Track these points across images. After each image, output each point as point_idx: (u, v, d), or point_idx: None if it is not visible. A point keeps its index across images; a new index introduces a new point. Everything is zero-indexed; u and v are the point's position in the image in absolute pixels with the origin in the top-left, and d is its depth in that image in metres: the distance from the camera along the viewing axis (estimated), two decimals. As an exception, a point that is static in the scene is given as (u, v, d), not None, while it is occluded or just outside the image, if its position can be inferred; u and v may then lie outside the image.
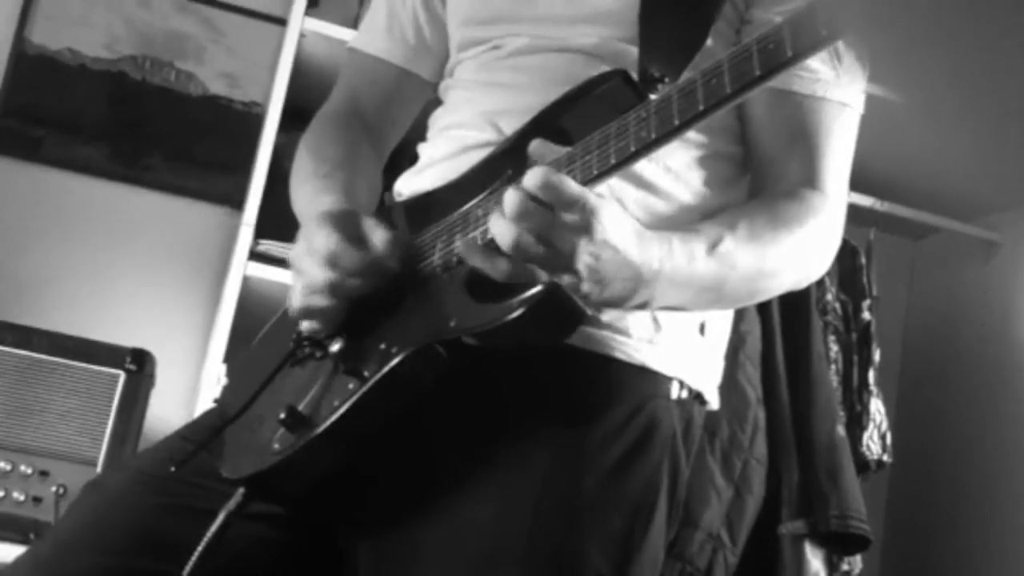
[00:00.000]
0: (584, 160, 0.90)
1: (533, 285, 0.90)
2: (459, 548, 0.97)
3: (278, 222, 1.97)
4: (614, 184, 1.03)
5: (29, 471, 1.85)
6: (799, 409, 1.97)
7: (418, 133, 1.26)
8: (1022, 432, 2.59)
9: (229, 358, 2.03)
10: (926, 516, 2.81)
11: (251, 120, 2.47)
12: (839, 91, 1.08)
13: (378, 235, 1.00)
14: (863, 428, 2.28)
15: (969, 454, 2.73)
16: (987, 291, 2.80)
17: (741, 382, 1.89)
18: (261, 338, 1.22)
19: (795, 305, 2.02)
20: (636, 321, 1.05)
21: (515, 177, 0.98)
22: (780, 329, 2.00)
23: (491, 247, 0.91)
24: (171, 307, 2.44)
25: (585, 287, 0.89)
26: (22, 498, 1.84)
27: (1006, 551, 2.55)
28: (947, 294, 2.95)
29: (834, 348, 2.29)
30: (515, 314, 0.89)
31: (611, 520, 1.00)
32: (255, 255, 2.10)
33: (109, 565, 0.97)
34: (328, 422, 0.96)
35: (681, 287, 0.95)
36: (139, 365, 1.95)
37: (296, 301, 1.02)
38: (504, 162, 1.03)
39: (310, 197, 1.12)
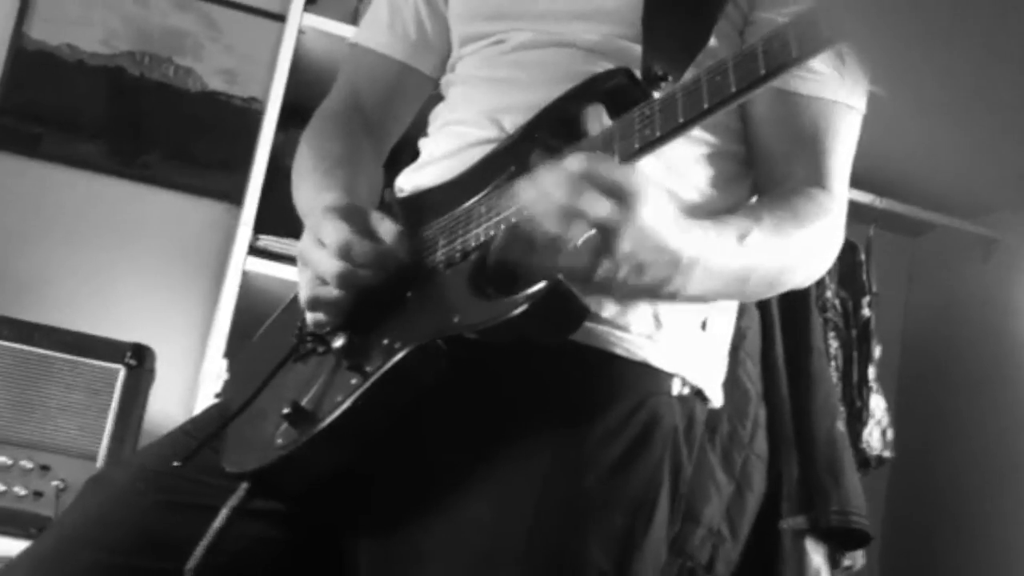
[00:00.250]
0: None
1: (537, 281, 0.89)
2: (460, 547, 0.97)
3: (277, 218, 1.97)
4: None
5: (30, 466, 1.85)
6: (799, 405, 1.96)
7: (419, 129, 1.26)
8: (1022, 428, 2.59)
9: (229, 353, 2.03)
10: (926, 511, 2.81)
11: (250, 116, 2.47)
12: (844, 93, 1.09)
13: (386, 228, 1.00)
14: (863, 424, 2.28)
15: (969, 450, 2.73)
16: (986, 288, 2.80)
17: (741, 378, 1.89)
18: (263, 333, 1.22)
19: (795, 302, 2.02)
20: (637, 317, 1.05)
21: (518, 174, 0.98)
22: (780, 325, 2.00)
23: (521, 234, 0.89)
24: (171, 303, 2.44)
25: (622, 273, 0.88)
26: (23, 493, 1.84)
27: (1006, 547, 2.56)
28: (946, 291, 2.95)
29: (834, 344, 2.29)
30: (519, 310, 0.89)
31: (613, 517, 1.00)
32: (254, 251, 2.10)
33: (111, 562, 0.97)
34: (331, 417, 0.96)
35: (712, 276, 0.95)
36: (139, 360, 1.95)
37: (305, 292, 1.02)
38: (506, 159, 1.02)
39: (312, 193, 1.12)
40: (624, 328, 1.05)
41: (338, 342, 1.02)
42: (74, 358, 1.92)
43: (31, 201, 2.40)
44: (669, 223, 0.90)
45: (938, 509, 2.77)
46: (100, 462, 1.88)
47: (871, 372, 2.37)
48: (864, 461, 2.26)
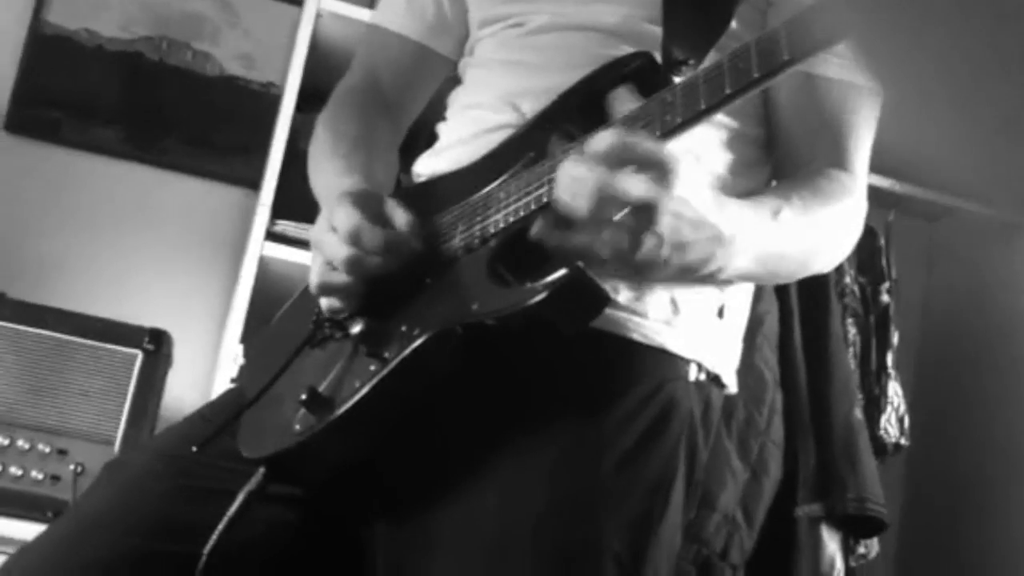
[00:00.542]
0: None
1: (557, 268, 0.89)
2: (474, 532, 0.97)
3: (295, 203, 1.97)
4: None
5: (47, 450, 1.86)
6: (817, 392, 1.96)
7: (435, 112, 1.26)
8: (1040, 416, 2.57)
9: (246, 338, 2.03)
10: (943, 499, 2.80)
11: (268, 101, 2.46)
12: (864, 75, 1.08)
13: (400, 215, 1.00)
14: (881, 411, 2.27)
15: (987, 437, 2.72)
16: (1007, 273, 2.78)
17: (758, 364, 1.88)
18: (280, 318, 1.22)
19: (813, 287, 2.01)
20: (655, 303, 1.05)
21: (537, 159, 0.97)
22: (798, 311, 1.99)
23: (558, 217, 0.88)
24: (188, 287, 2.45)
25: (665, 251, 0.86)
26: (40, 477, 1.85)
27: None
28: (966, 276, 2.93)
29: (852, 331, 2.28)
30: (539, 298, 0.89)
31: (629, 502, 1.00)
32: (272, 235, 2.10)
33: (130, 545, 0.98)
34: (349, 403, 0.96)
35: (750, 254, 0.94)
36: (157, 345, 1.96)
37: (315, 277, 1.02)
38: (525, 144, 1.02)
39: (329, 177, 1.12)
40: (641, 314, 1.04)
41: (356, 328, 1.01)
42: (92, 343, 1.93)
43: (50, 186, 2.41)
44: (707, 199, 0.89)
45: (956, 497, 2.76)
46: (117, 446, 1.89)
47: (889, 359, 2.36)
48: (881, 448, 2.25)
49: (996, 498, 2.64)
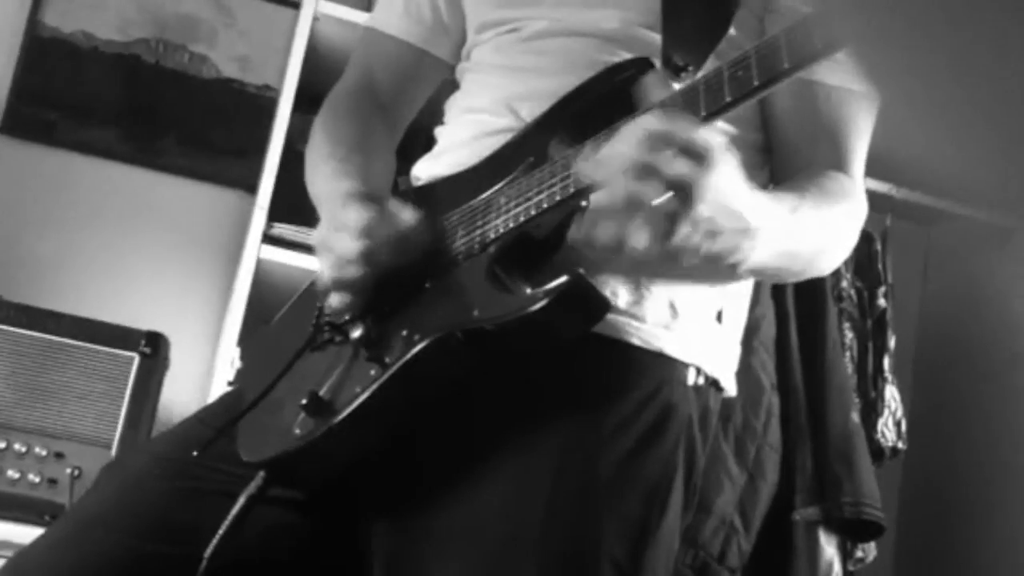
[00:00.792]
0: None
1: (557, 275, 0.89)
2: (475, 533, 0.97)
3: (292, 205, 1.97)
4: None
5: (44, 453, 1.86)
6: (813, 396, 1.96)
7: (431, 117, 1.26)
8: (1037, 420, 2.58)
9: (243, 341, 2.03)
10: (940, 503, 2.80)
11: (264, 103, 2.46)
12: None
13: (407, 211, 1.00)
14: (878, 415, 2.27)
15: (984, 441, 2.72)
16: (1004, 277, 2.78)
17: (755, 368, 1.88)
18: (278, 321, 1.22)
19: (810, 291, 2.01)
20: (654, 307, 1.05)
21: (536, 164, 0.97)
22: (795, 315, 1.99)
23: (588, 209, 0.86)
24: (185, 290, 2.45)
25: (697, 238, 0.85)
26: (37, 480, 1.84)
27: (1021, 539, 2.54)
28: (963, 281, 2.93)
29: (849, 335, 2.28)
30: (539, 304, 0.89)
31: (627, 505, 1.00)
32: (268, 238, 2.10)
33: (128, 546, 0.98)
34: (350, 408, 0.96)
35: (769, 248, 0.94)
36: (153, 348, 1.95)
37: (327, 274, 1.01)
38: (524, 149, 1.02)
39: (327, 181, 1.12)
40: (640, 318, 1.04)
41: (356, 332, 1.01)
42: (88, 345, 1.92)
43: (46, 188, 2.40)
44: (740, 188, 0.88)
45: (952, 501, 2.76)
46: (114, 449, 1.89)
47: (886, 363, 2.36)
48: (878, 452, 2.25)
49: (993, 502, 2.65)
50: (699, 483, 1.10)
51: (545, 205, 0.93)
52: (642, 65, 0.99)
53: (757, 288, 1.85)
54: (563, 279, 0.88)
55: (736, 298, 1.14)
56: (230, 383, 1.98)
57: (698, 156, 0.82)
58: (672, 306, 1.06)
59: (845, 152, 1.09)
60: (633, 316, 1.04)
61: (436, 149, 1.20)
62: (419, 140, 1.29)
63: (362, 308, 1.02)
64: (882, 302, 2.41)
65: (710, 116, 0.86)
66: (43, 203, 2.40)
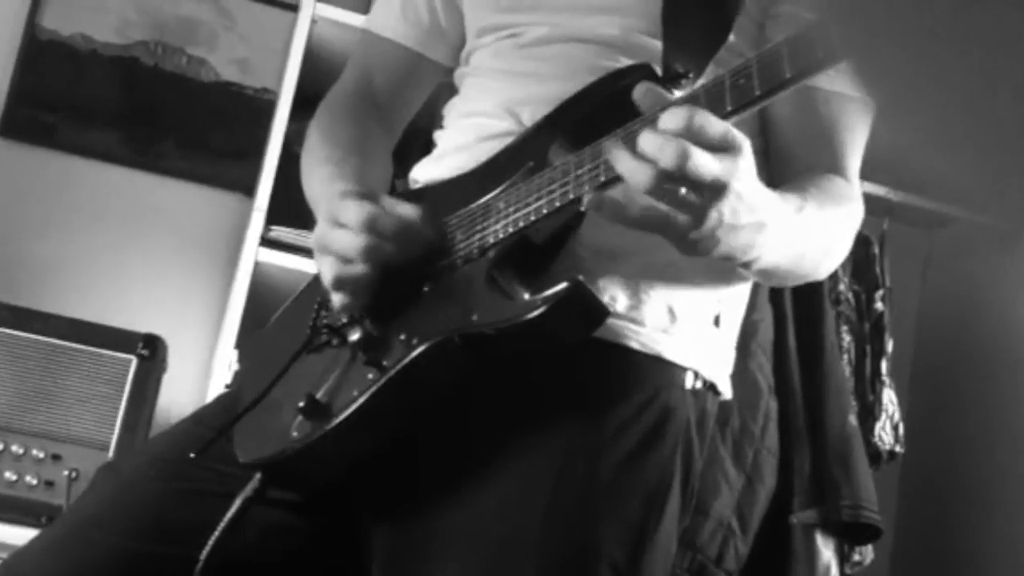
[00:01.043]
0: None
1: (557, 281, 0.89)
2: (474, 534, 0.97)
3: (290, 208, 1.97)
4: None
5: (42, 455, 1.86)
6: (811, 399, 1.96)
7: (429, 121, 1.26)
8: (1034, 423, 2.58)
9: (241, 344, 2.03)
10: (938, 507, 2.80)
11: (263, 106, 2.46)
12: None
13: (407, 206, 1.00)
14: (875, 418, 2.27)
15: (982, 445, 2.72)
16: (1003, 282, 2.78)
17: (753, 371, 1.88)
18: (275, 323, 1.22)
19: (808, 295, 2.01)
20: (652, 312, 1.05)
21: (536, 169, 0.97)
22: (793, 319, 1.99)
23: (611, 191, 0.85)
24: (183, 293, 2.45)
25: (721, 231, 0.85)
26: (35, 482, 1.84)
27: (1019, 542, 2.54)
28: (962, 285, 2.94)
29: (847, 338, 2.28)
30: (539, 311, 0.89)
31: (625, 508, 1.00)
32: (267, 241, 2.10)
33: (124, 547, 0.98)
34: (347, 412, 0.96)
35: (781, 246, 0.94)
36: (151, 350, 1.95)
37: (329, 274, 1.01)
38: (524, 153, 1.02)
39: (323, 183, 1.12)
40: (639, 322, 1.04)
41: (354, 335, 1.01)
42: (86, 348, 1.92)
43: (45, 191, 2.40)
44: (758, 183, 0.87)
45: (950, 504, 2.76)
46: (112, 452, 1.89)
47: (884, 366, 2.36)
48: (876, 455, 2.25)
49: (990, 506, 2.65)
50: (696, 486, 1.10)
51: (545, 211, 0.93)
52: (644, 72, 0.99)
53: (755, 292, 1.85)
54: (563, 286, 0.88)
55: (733, 302, 1.14)
56: (228, 386, 1.98)
57: (727, 151, 0.82)
58: (671, 310, 1.06)
59: (842, 156, 1.10)
60: (632, 320, 1.04)
61: (435, 152, 1.19)
62: (417, 143, 1.29)
63: (362, 309, 1.02)
64: (879, 305, 2.41)
65: None
66: (42, 206, 2.40)
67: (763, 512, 1.86)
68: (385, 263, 0.99)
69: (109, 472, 1.10)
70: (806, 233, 0.98)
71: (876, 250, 2.49)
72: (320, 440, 0.97)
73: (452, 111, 1.21)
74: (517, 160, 1.01)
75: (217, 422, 1.06)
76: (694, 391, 1.07)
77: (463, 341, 0.94)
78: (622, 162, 0.83)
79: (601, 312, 0.91)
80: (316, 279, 1.09)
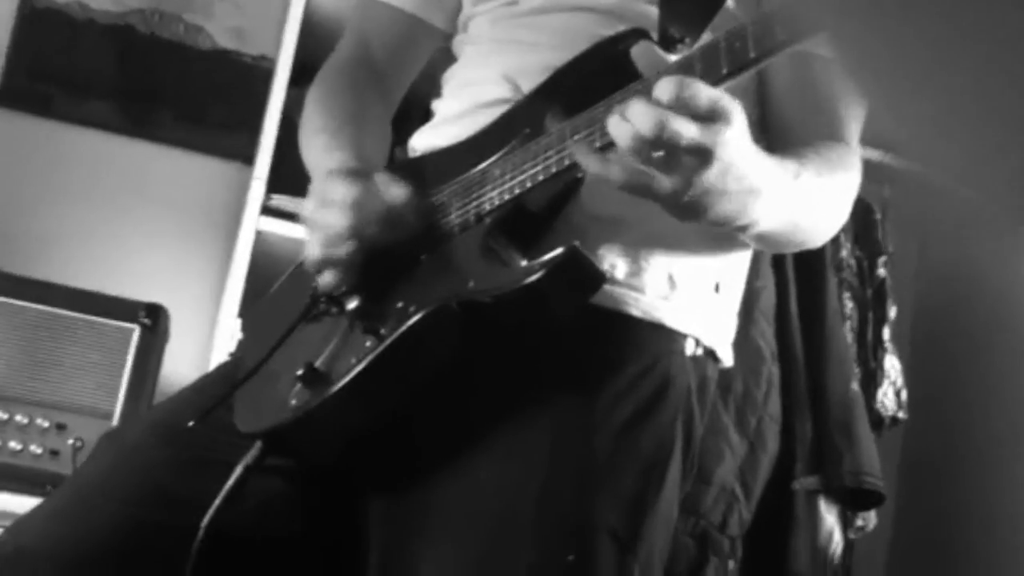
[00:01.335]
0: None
1: (553, 247, 0.89)
2: (471, 507, 0.97)
3: (290, 177, 1.96)
4: None
5: (46, 424, 1.86)
6: (813, 366, 1.96)
7: (428, 90, 1.25)
8: (1036, 389, 2.58)
9: (243, 313, 2.03)
10: (940, 473, 2.81)
11: (261, 74, 2.45)
12: None
13: (394, 188, 0.99)
14: (878, 385, 2.27)
15: (984, 411, 2.72)
16: (1003, 246, 2.77)
17: (755, 338, 1.88)
18: (275, 292, 1.22)
19: (810, 261, 2.01)
20: (652, 278, 1.05)
21: (533, 136, 0.97)
22: (795, 285, 1.98)
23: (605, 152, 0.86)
24: (184, 262, 2.44)
25: (707, 197, 0.85)
26: (39, 451, 1.85)
27: (1019, 509, 2.55)
28: (962, 250, 2.93)
29: (849, 305, 2.28)
30: (535, 276, 0.89)
31: (624, 477, 1.00)
32: (267, 210, 2.09)
33: (126, 514, 0.98)
34: (345, 379, 0.96)
35: (776, 213, 0.94)
36: (153, 320, 1.95)
37: (314, 253, 1.01)
38: (521, 120, 1.01)
39: (319, 153, 1.11)
40: (639, 289, 1.04)
41: (352, 304, 1.01)
42: (88, 317, 1.92)
43: (43, 161, 2.40)
44: (750, 150, 0.88)
45: (953, 471, 2.77)
46: (116, 421, 1.89)
47: (886, 332, 2.36)
48: (878, 421, 2.25)
49: (993, 471, 2.66)
50: (697, 453, 1.10)
51: (541, 177, 0.93)
52: (638, 36, 0.98)
53: (757, 259, 1.84)
54: (559, 251, 0.88)
55: (733, 269, 1.14)
56: (231, 354, 1.98)
57: (714, 118, 0.83)
58: (671, 277, 1.06)
59: (842, 122, 1.09)
60: (632, 287, 1.04)
61: (433, 121, 1.19)
62: (417, 112, 1.28)
63: (353, 284, 1.02)
64: (882, 272, 2.41)
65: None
66: (40, 176, 2.39)
67: (766, 478, 1.87)
68: (371, 243, 0.99)
69: (111, 440, 1.10)
70: (803, 200, 0.98)
71: (878, 216, 2.48)
72: (318, 408, 0.97)
73: (451, 80, 1.20)
74: (514, 127, 1.01)
75: (218, 390, 1.06)
76: (694, 358, 1.07)
77: (460, 308, 0.94)
78: (610, 121, 0.85)
79: (598, 277, 0.90)
80: None
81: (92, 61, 2.43)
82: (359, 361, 0.96)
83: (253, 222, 2.08)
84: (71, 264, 2.32)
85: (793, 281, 2.00)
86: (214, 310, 2.34)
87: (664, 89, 0.82)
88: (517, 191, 0.95)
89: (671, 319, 1.05)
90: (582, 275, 0.90)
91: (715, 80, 0.84)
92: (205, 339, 2.31)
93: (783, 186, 0.93)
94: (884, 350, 2.33)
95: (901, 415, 2.31)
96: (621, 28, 1.03)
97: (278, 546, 1.04)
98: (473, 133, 1.06)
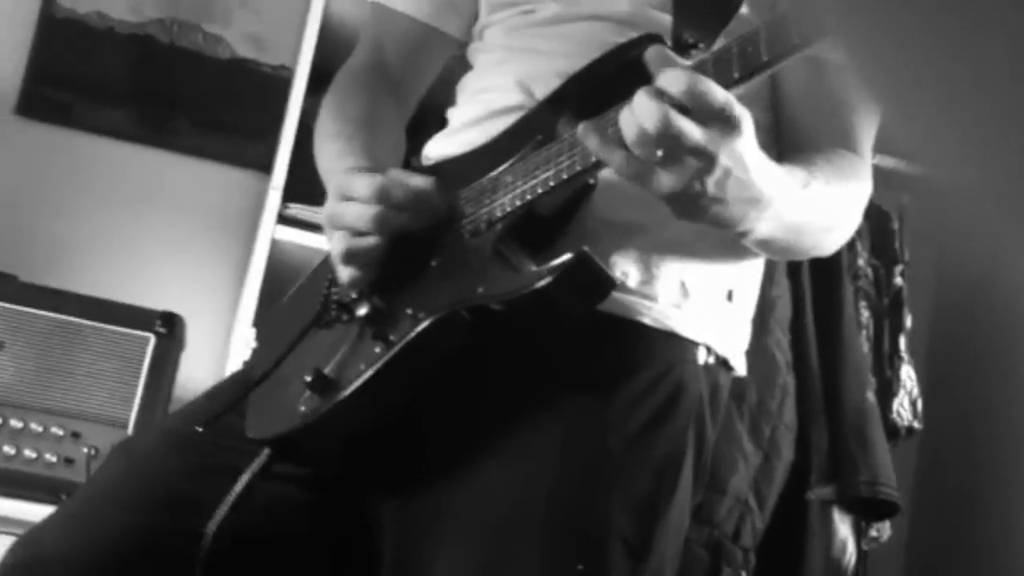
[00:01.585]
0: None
1: (563, 252, 0.89)
2: (483, 510, 0.97)
3: (306, 186, 1.96)
4: None
5: (61, 433, 1.87)
6: (829, 375, 1.95)
7: (444, 98, 1.25)
8: (1056, 399, 2.56)
9: (258, 322, 2.04)
10: (956, 483, 2.79)
11: (279, 83, 2.46)
12: None
13: (417, 177, 1.00)
14: (893, 394, 2.26)
15: (1000, 421, 2.70)
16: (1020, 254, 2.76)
17: (770, 347, 1.87)
18: (288, 299, 1.23)
19: (826, 270, 2.00)
20: (665, 286, 1.05)
21: (545, 142, 0.97)
22: (811, 294, 1.98)
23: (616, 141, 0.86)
24: (200, 271, 2.45)
25: (705, 201, 0.85)
26: (54, 459, 1.86)
27: (1037, 519, 2.53)
28: (981, 260, 2.91)
29: (865, 314, 2.27)
30: (544, 281, 0.89)
31: (636, 484, 1.00)
32: (283, 219, 2.10)
33: (137, 523, 0.99)
34: (354, 386, 0.96)
35: (778, 222, 0.94)
36: (169, 328, 1.96)
37: (338, 248, 1.01)
38: (533, 127, 1.01)
39: (333, 159, 1.12)
40: (652, 297, 1.04)
41: (362, 310, 1.02)
42: (104, 326, 1.93)
43: (61, 170, 2.41)
44: (759, 157, 0.88)
45: (969, 481, 2.75)
46: (131, 429, 1.90)
47: (902, 342, 2.34)
48: (893, 432, 2.23)
49: (1009, 482, 2.63)
50: (709, 461, 1.09)
51: (552, 183, 0.93)
52: (652, 42, 0.98)
53: (773, 267, 1.84)
54: (568, 256, 0.88)
55: (747, 277, 1.14)
56: (246, 363, 1.99)
57: (724, 121, 0.82)
58: (683, 285, 1.05)
59: (854, 130, 1.09)
60: (644, 296, 1.04)
61: (448, 129, 1.19)
62: (433, 121, 1.28)
63: (371, 283, 1.02)
64: (899, 280, 2.39)
65: None
66: (59, 184, 2.41)
67: (780, 488, 1.86)
68: (397, 234, 0.99)
69: (123, 449, 1.11)
70: (811, 209, 0.98)
71: (895, 225, 2.47)
72: (327, 414, 0.97)
73: (465, 88, 1.21)
74: (527, 134, 1.01)
75: (229, 397, 1.06)
76: (707, 366, 1.07)
77: (470, 314, 0.94)
78: (622, 113, 0.85)
79: (607, 283, 0.90)
80: (328, 257, 1.09)
81: (111, 70, 2.44)
82: (368, 367, 0.97)
83: (269, 231, 2.09)
84: (88, 272, 2.33)
85: (809, 290, 1.99)
86: (230, 318, 2.35)
87: (672, 80, 0.82)
88: (528, 197, 0.95)
89: (683, 327, 1.05)
90: (592, 280, 0.90)
91: (727, 84, 0.84)
92: (221, 347, 2.32)
93: (791, 196, 0.93)
94: (900, 360, 2.32)
95: (916, 425, 2.30)
96: (635, 35, 1.03)
97: (289, 549, 1.05)
98: (486, 140, 1.07)
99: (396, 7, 1.27)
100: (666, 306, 1.04)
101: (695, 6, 1.02)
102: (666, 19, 1.03)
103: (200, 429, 1.02)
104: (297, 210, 2.10)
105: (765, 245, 1.00)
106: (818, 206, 0.99)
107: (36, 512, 1.73)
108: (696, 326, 1.06)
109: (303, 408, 0.99)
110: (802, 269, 1.99)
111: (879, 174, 1.12)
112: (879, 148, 1.13)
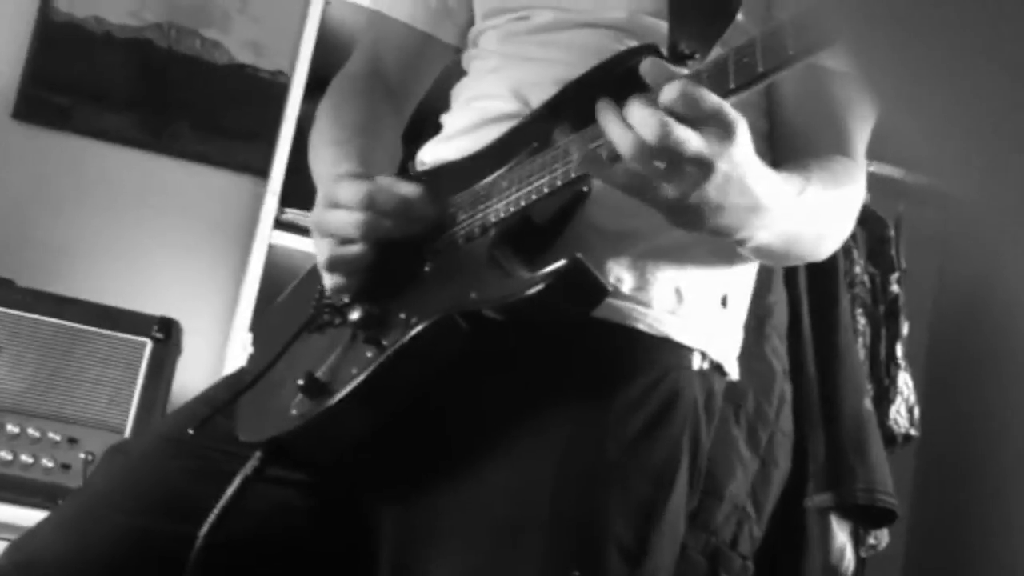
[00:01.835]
0: None
1: (556, 259, 0.89)
2: (481, 515, 0.98)
3: (303, 191, 1.96)
4: None
5: (58, 438, 1.87)
6: (826, 382, 1.95)
7: (441, 104, 1.25)
8: (1053, 407, 2.56)
9: (254, 326, 2.04)
10: (953, 490, 2.79)
11: (277, 89, 2.46)
12: None
13: (406, 184, 1.00)
14: (890, 402, 2.26)
15: (998, 429, 2.70)
16: (1019, 262, 2.76)
17: (767, 354, 1.87)
18: (281, 303, 1.23)
19: (823, 277, 2.01)
20: (659, 292, 1.05)
21: (540, 149, 0.97)
22: (807, 301, 1.98)
23: (612, 158, 0.86)
24: (197, 275, 2.45)
25: (705, 210, 0.85)
26: (51, 465, 1.85)
27: (1035, 526, 2.53)
28: (980, 266, 2.91)
29: (862, 321, 2.27)
30: (537, 287, 0.89)
31: (632, 489, 1.00)
32: (280, 224, 2.10)
33: (131, 525, 0.99)
34: (346, 390, 0.97)
35: (775, 229, 0.94)
36: (166, 333, 1.96)
37: (323, 255, 1.01)
38: (529, 134, 1.01)
39: (327, 164, 1.12)
40: (646, 303, 1.04)
41: (354, 314, 1.02)
42: (101, 331, 1.93)
43: (59, 174, 2.41)
44: (757, 164, 0.88)
45: (966, 488, 2.75)
46: (127, 434, 1.90)
47: (899, 349, 2.35)
48: (891, 439, 2.24)
49: (1006, 489, 2.63)
50: (704, 467, 1.10)
51: (546, 190, 0.93)
52: (648, 52, 0.98)
53: (769, 275, 1.84)
54: (561, 262, 0.88)
55: (741, 283, 1.14)
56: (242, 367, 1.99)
57: (721, 130, 0.82)
58: (678, 291, 1.05)
59: (849, 136, 1.09)
60: (639, 302, 1.04)
61: (441, 135, 1.19)
62: (429, 127, 1.28)
63: (359, 290, 1.02)
64: (895, 288, 2.40)
65: None
66: (56, 189, 2.41)
67: (778, 495, 1.86)
68: (383, 241, 0.99)
69: (117, 452, 1.11)
70: (806, 216, 0.98)
71: (891, 232, 2.47)
72: (319, 418, 0.97)
73: (460, 94, 1.21)
74: (522, 141, 1.01)
75: (220, 401, 1.06)
76: (701, 372, 1.07)
77: (464, 320, 0.94)
78: (611, 127, 0.84)
79: (600, 290, 0.90)
80: None
81: (110, 75, 2.45)
82: (360, 371, 0.97)
83: (266, 235, 2.09)
84: (85, 276, 2.33)
85: (806, 297, 2.00)
86: (227, 323, 2.35)
87: (667, 92, 0.82)
88: (523, 203, 0.95)
89: (678, 333, 1.05)
90: (585, 287, 0.90)
91: (722, 94, 0.84)
92: (218, 352, 2.32)
93: (786, 203, 0.93)
94: (897, 367, 2.32)
95: (913, 432, 2.30)
96: (631, 43, 1.03)
97: (287, 554, 1.05)
98: (482, 146, 1.07)
99: (393, 14, 1.28)
100: (661, 312, 1.04)
101: (691, 15, 1.02)
102: (662, 26, 1.03)
103: (192, 432, 1.02)
104: (294, 215, 2.11)
105: (762, 252, 1.00)
106: (814, 213, 0.99)
107: (32, 517, 1.72)
108: (691, 332, 1.06)
109: (295, 411, 0.99)
110: (799, 276, 2.00)
111: (876, 182, 1.12)
112: (876, 156, 1.14)
